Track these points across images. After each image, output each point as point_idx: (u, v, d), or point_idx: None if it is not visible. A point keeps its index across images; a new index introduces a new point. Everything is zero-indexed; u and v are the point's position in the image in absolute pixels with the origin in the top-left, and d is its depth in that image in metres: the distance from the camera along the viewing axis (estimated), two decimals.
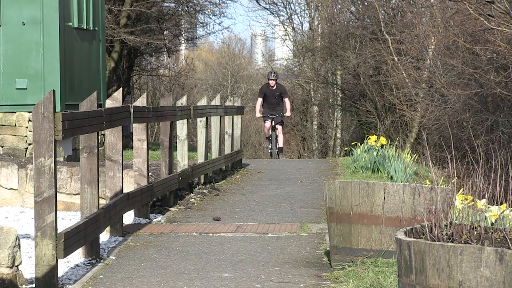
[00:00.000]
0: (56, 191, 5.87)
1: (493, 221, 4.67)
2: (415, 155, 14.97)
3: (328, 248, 7.06)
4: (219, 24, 64.61)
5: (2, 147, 13.21)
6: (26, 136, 13.16)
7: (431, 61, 23.76)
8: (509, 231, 4.26)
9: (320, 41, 31.01)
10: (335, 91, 31.03)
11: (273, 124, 19.58)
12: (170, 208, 10.05)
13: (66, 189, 9.99)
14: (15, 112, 13.17)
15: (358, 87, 28.84)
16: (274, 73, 20.14)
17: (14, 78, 13.07)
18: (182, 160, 11.49)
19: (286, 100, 19.73)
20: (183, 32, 28.86)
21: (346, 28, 29.41)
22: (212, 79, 43.31)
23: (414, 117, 25.32)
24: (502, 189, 4.57)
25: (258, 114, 19.72)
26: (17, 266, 5.77)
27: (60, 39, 13.09)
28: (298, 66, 33.10)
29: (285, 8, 33.04)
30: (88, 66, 14.33)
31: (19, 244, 5.77)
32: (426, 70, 24.07)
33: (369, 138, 14.06)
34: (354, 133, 30.61)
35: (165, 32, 26.19)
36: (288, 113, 19.76)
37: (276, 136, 19.64)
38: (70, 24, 13.56)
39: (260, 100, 19.65)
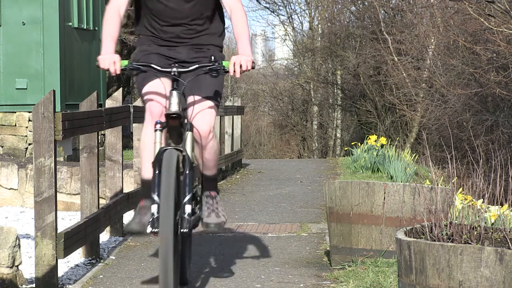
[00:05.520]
0: (56, 191, 5.87)
1: (493, 221, 4.67)
2: (415, 155, 14.97)
3: (328, 248, 7.06)
4: None
5: (2, 147, 13.21)
6: (26, 136, 13.16)
7: (431, 61, 23.76)
8: (509, 231, 4.26)
9: (320, 41, 31.01)
10: (335, 91, 31.03)
11: (175, 107, 5.03)
12: None
13: (66, 189, 9.99)
14: (15, 112, 13.17)
15: (358, 87, 28.85)
16: None
17: (14, 78, 13.07)
18: None
19: (231, 5, 5.26)
20: None
21: (346, 28, 29.42)
22: None
23: (414, 117, 25.32)
24: (502, 189, 4.57)
25: (104, 62, 5.03)
26: (17, 266, 5.78)
27: (60, 39, 13.09)
28: (298, 66, 33.10)
29: (285, 8, 33.05)
30: (88, 66, 14.33)
31: (19, 244, 5.78)
32: (426, 70, 24.07)
33: (369, 138, 14.06)
34: (354, 133, 30.61)
35: None
36: (246, 62, 5.00)
37: (187, 164, 5.00)
38: (70, 24, 13.56)
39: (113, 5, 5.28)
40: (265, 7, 33.62)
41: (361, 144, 14.36)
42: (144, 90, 5.35)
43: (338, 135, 31.20)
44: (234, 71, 5.01)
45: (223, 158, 13.63)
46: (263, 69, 38.32)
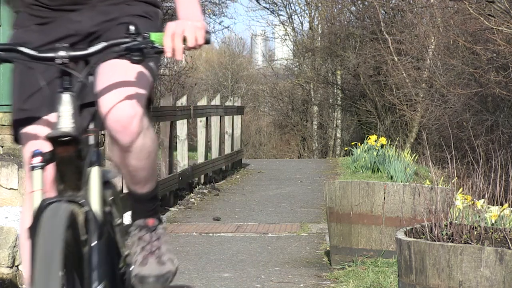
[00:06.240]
0: None
1: (493, 221, 4.67)
2: (415, 155, 14.97)
3: (328, 248, 7.06)
4: (220, 23, 64.63)
5: (2, 147, 13.22)
6: None
7: (431, 61, 23.77)
8: (509, 231, 4.26)
9: (320, 41, 31.01)
10: (335, 91, 31.03)
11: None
12: (170, 208, 10.05)
13: None
14: None
15: (358, 87, 28.86)
16: None
17: None
18: (182, 160, 11.49)
19: None
20: None
21: (346, 28, 29.42)
22: (212, 79, 43.36)
23: (414, 117, 25.33)
24: (502, 189, 4.57)
25: None
26: (17, 266, 5.77)
27: None
28: (298, 66, 33.10)
29: (285, 8, 33.05)
30: None
31: (19, 244, 5.78)
32: (426, 70, 24.07)
33: (369, 138, 14.07)
34: (354, 133, 30.60)
35: None
36: (194, 32, 2.56)
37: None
38: None
39: None
40: (265, 7, 33.64)
41: (361, 144, 14.36)
42: (19, 113, 2.87)
43: (338, 135, 31.20)
44: (174, 49, 2.56)
45: (223, 158, 13.63)
46: (263, 69, 38.33)
